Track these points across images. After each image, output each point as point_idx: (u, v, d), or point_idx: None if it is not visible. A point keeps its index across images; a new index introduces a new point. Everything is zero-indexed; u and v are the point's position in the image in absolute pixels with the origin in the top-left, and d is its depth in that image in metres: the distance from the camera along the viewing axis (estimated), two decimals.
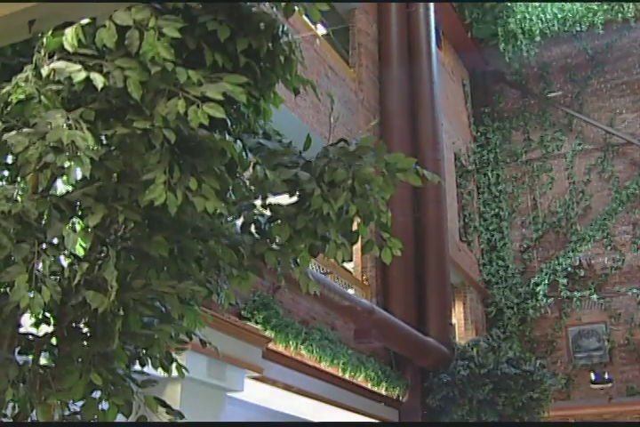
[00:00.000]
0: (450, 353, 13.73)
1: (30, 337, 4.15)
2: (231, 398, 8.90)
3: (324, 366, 10.90)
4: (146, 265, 3.94)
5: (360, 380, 11.89)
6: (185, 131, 3.69)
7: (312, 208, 3.94)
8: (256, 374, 9.04)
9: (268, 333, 9.52)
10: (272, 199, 4.25)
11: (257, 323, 9.46)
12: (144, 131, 3.65)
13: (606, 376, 17.65)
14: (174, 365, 4.36)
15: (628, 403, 17.34)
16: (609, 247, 19.14)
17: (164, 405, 4.07)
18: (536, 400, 13.55)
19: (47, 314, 4.06)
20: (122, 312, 3.66)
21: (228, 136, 3.93)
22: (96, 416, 3.93)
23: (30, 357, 4.10)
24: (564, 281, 18.96)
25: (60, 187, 4.13)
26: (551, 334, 18.92)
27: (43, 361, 4.10)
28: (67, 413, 4.03)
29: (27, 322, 4.18)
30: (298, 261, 4.15)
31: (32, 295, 3.53)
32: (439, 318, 14.05)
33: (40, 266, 3.70)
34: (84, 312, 3.85)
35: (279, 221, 4.05)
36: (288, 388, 10.23)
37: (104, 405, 3.99)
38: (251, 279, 4.20)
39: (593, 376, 17.75)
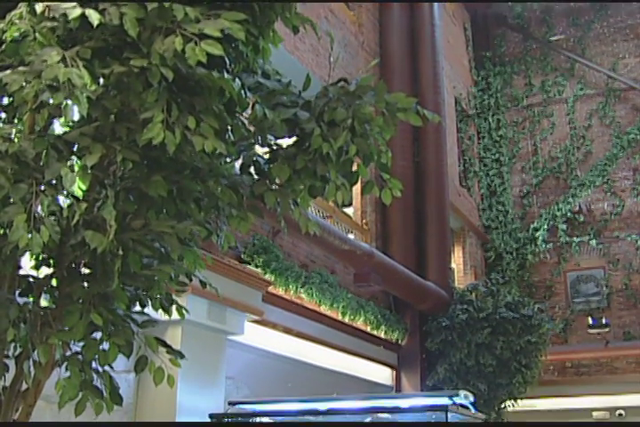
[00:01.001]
0: (449, 297, 13.81)
1: (30, 279, 4.16)
2: (231, 342, 8.95)
3: (323, 309, 10.96)
4: (145, 206, 3.92)
5: (359, 323, 11.98)
6: (183, 69, 3.63)
7: (312, 148, 3.90)
8: (256, 318, 9.09)
9: (267, 276, 9.56)
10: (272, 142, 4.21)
11: (257, 266, 9.48)
12: (141, 69, 3.59)
13: (604, 321, 17.76)
14: (174, 306, 4.36)
15: (624, 347, 17.50)
16: (609, 193, 19.14)
17: (165, 345, 4.09)
18: (534, 344, 13.65)
19: (46, 255, 4.05)
20: (121, 252, 3.65)
21: (226, 75, 3.87)
22: (97, 356, 3.94)
23: (31, 298, 4.10)
24: (564, 227, 19.00)
25: (58, 129, 4.08)
26: (550, 279, 19.01)
27: (43, 303, 4.11)
28: (68, 353, 4.05)
29: (27, 264, 4.18)
30: (297, 201, 4.13)
31: (31, 235, 3.51)
32: (438, 263, 14.10)
33: (38, 206, 3.68)
34: (83, 253, 3.84)
35: (278, 162, 4.01)
36: (288, 331, 10.30)
37: (105, 346, 4.01)
38: (250, 220, 4.18)
39: (590, 321, 17.89)
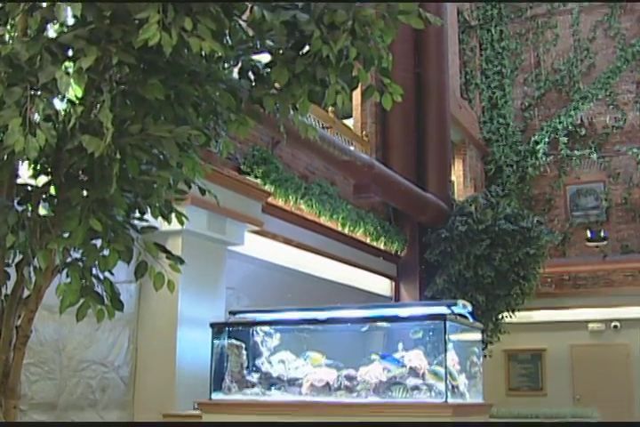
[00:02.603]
0: (448, 209, 13.83)
1: (29, 188, 4.13)
2: (232, 252, 9.00)
3: (323, 220, 10.99)
4: (142, 111, 3.86)
5: (359, 234, 12.02)
6: None
7: (311, 51, 3.82)
8: (256, 228, 9.11)
9: (267, 187, 9.54)
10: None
11: (256, 177, 9.46)
12: None
13: (602, 234, 17.83)
14: (174, 214, 4.34)
15: (621, 261, 17.63)
16: (611, 106, 18.98)
17: (165, 250, 4.08)
18: (532, 256, 13.74)
19: (43, 161, 4.01)
20: (119, 156, 3.60)
21: None
22: (97, 262, 3.94)
23: (29, 207, 4.08)
24: (565, 140, 18.90)
25: (52, 35, 3.99)
26: (549, 192, 19.01)
27: (42, 212, 4.09)
28: (68, 259, 4.05)
29: (25, 174, 4.15)
30: (297, 106, 4.06)
31: (26, 139, 3.46)
32: (438, 175, 14.08)
33: (35, 114, 3.62)
34: (80, 158, 3.80)
35: (277, 66, 3.93)
36: (288, 242, 10.35)
37: (105, 252, 4.00)
38: (249, 124, 4.12)
39: (589, 234, 17.95)
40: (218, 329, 7.55)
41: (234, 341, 7.52)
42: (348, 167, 10.77)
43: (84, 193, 3.93)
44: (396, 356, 7.21)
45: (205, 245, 8.37)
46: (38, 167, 4.08)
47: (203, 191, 4.37)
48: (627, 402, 16.90)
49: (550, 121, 19.24)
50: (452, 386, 6.84)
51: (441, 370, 6.96)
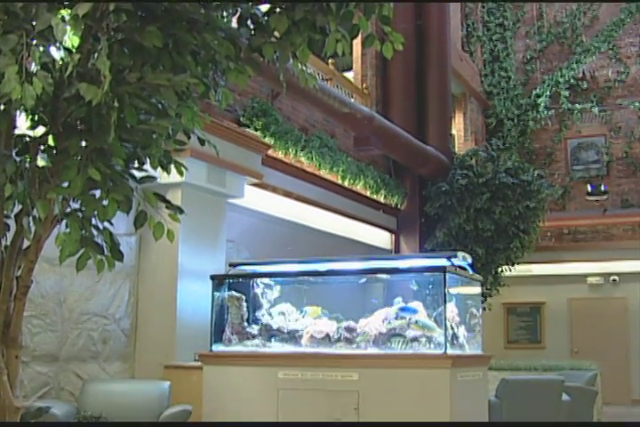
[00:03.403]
0: (449, 162, 13.79)
1: (27, 139, 4.10)
2: (232, 205, 8.99)
3: (323, 173, 10.96)
4: (140, 59, 3.81)
5: (359, 187, 12.01)
6: None
7: None
8: (256, 181, 9.09)
9: (267, 139, 9.50)
10: None
11: (256, 130, 9.41)
12: None
13: (602, 188, 17.81)
14: (173, 165, 4.31)
15: (621, 215, 17.63)
16: (614, 60, 18.81)
17: (164, 200, 4.06)
18: (532, 210, 13.73)
19: (41, 110, 3.98)
20: (117, 104, 3.57)
21: None
22: (96, 212, 3.92)
23: (27, 158, 4.06)
24: (566, 93, 18.78)
25: None
26: (550, 146, 18.95)
27: (40, 163, 4.06)
28: (67, 210, 4.03)
29: (23, 126, 4.12)
30: (297, 55, 4.01)
31: (23, 87, 3.42)
32: (439, 128, 14.01)
33: (32, 63, 3.58)
34: (78, 107, 3.76)
35: (277, 13, 3.88)
36: (288, 194, 10.34)
37: (104, 203, 3.99)
38: (248, 73, 4.07)
39: (589, 188, 17.93)
40: (218, 281, 7.57)
41: (234, 293, 7.54)
42: (349, 120, 10.71)
43: (83, 143, 3.90)
44: (395, 308, 7.23)
45: (205, 198, 8.36)
46: (36, 118, 4.05)
47: (202, 141, 4.33)
48: (624, 355, 17.04)
49: (552, 74, 19.09)
50: (452, 338, 6.88)
51: (425, 321, 7.03)
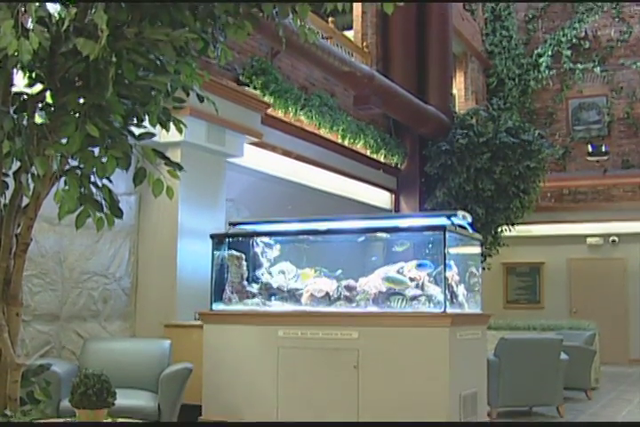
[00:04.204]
0: (449, 122, 13.72)
1: (25, 97, 4.07)
2: (231, 164, 8.96)
3: (323, 132, 10.91)
4: (138, 14, 3.77)
5: (359, 147, 11.96)
6: None
7: None
8: (255, 140, 9.05)
9: (266, 98, 9.43)
10: None
11: (255, 88, 9.34)
12: None
13: (603, 149, 17.75)
14: (172, 123, 4.27)
15: (622, 175, 17.60)
16: (616, 19, 18.63)
17: (163, 157, 4.04)
18: (532, 170, 13.69)
19: (38, 66, 3.94)
20: (114, 59, 3.53)
21: None
22: (95, 169, 3.90)
23: (25, 115, 4.03)
24: (568, 53, 18.64)
25: None
26: (551, 106, 18.85)
27: (38, 120, 4.04)
28: (66, 167, 4.01)
29: (21, 84, 4.09)
30: (296, 10, 3.96)
31: (20, 42, 3.38)
32: (440, 87, 13.92)
33: (29, 19, 3.53)
34: (76, 62, 3.72)
35: None
36: (287, 154, 10.29)
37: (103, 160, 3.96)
38: (247, 28, 4.03)
39: (590, 148, 17.86)
40: (218, 240, 7.57)
41: (234, 252, 7.55)
42: (348, 78, 10.63)
43: (81, 100, 3.87)
44: (396, 267, 7.24)
45: (204, 157, 8.32)
46: (33, 75, 4.01)
47: (201, 98, 4.30)
48: (623, 315, 17.12)
49: (554, 33, 18.93)
50: (452, 296, 6.89)
51: (396, 276, 7.05)
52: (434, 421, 6.41)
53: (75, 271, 7.40)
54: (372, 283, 7.17)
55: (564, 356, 8.75)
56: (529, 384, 8.50)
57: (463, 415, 6.69)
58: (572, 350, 9.62)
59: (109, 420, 4.59)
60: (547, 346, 8.73)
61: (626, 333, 17.04)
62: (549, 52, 18.72)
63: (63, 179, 3.98)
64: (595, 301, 17.25)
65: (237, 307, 7.43)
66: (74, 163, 4.00)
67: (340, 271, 7.41)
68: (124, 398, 5.41)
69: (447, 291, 6.72)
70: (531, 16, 19.41)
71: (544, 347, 8.71)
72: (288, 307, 7.34)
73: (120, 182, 6.71)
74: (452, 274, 7.02)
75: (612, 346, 15.11)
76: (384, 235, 7.54)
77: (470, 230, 7.52)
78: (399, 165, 13.33)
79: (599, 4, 18.54)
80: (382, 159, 12.74)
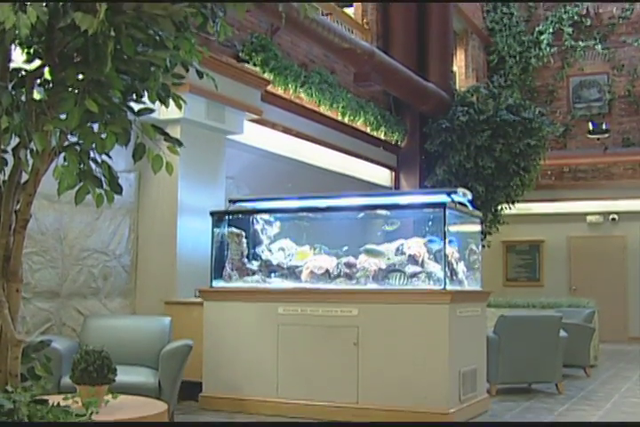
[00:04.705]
0: (449, 99, 13.68)
1: (23, 73, 4.04)
2: (231, 142, 8.94)
3: (323, 109, 10.88)
4: None
5: (359, 124, 11.93)
6: None
7: None
8: (255, 117, 9.02)
9: (266, 75, 9.40)
10: None
11: (255, 65, 9.30)
12: None
13: (604, 127, 17.70)
14: (171, 99, 4.24)
15: (622, 153, 17.56)
16: None
17: (163, 133, 4.02)
18: (533, 147, 13.67)
19: (36, 41, 3.91)
20: (113, 34, 3.50)
21: None
22: (94, 145, 3.88)
23: (24, 91, 4.00)
24: (569, 30, 18.54)
25: None
26: (552, 83, 18.77)
27: (37, 96, 4.01)
28: (65, 143, 3.99)
29: (19, 60, 4.06)
30: None
31: (17, 15, 3.35)
32: (440, 64, 13.86)
33: None
34: (74, 37, 3.69)
35: None
36: (287, 131, 10.27)
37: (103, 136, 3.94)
38: (246, 3, 3.99)
39: (591, 126, 17.81)
40: (218, 217, 7.58)
41: (234, 229, 7.55)
42: (349, 55, 10.58)
43: (80, 76, 3.84)
44: (396, 244, 7.25)
45: (204, 134, 8.31)
46: (31, 51, 3.98)
47: (200, 74, 4.27)
48: (622, 293, 17.15)
49: (555, 11, 18.81)
50: (451, 273, 6.90)
51: (374, 248, 7.08)
52: (433, 397, 6.44)
53: (75, 248, 7.41)
54: (372, 260, 7.19)
55: (563, 333, 8.76)
56: (528, 361, 8.52)
57: (463, 392, 6.72)
58: (572, 327, 9.64)
59: (110, 396, 4.61)
60: (546, 324, 8.74)
61: (625, 311, 17.07)
62: (550, 30, 18.62)
63: (62, 155, 3.96)
64: (594, 279, 17.27)
65: (237, 284, 7.45)
66: (73, 139, 3.98)
67: (346, 248, 7.42)
68: (125, 375, 5.43)
69: (447, 268, 6.74)
70: None
71: (543, 324, 8.73)
72: (288, 284, 7.36)
73: (120, 160, 6.70)
74: (452, 251, 7.03)
75: (611, 324, 15.14)
76: (384, 212, 7.54)
77: (470, 208, 7.52)
78: (399, 143, 13.31)
79: None
80: (382, 136, 12.71)
